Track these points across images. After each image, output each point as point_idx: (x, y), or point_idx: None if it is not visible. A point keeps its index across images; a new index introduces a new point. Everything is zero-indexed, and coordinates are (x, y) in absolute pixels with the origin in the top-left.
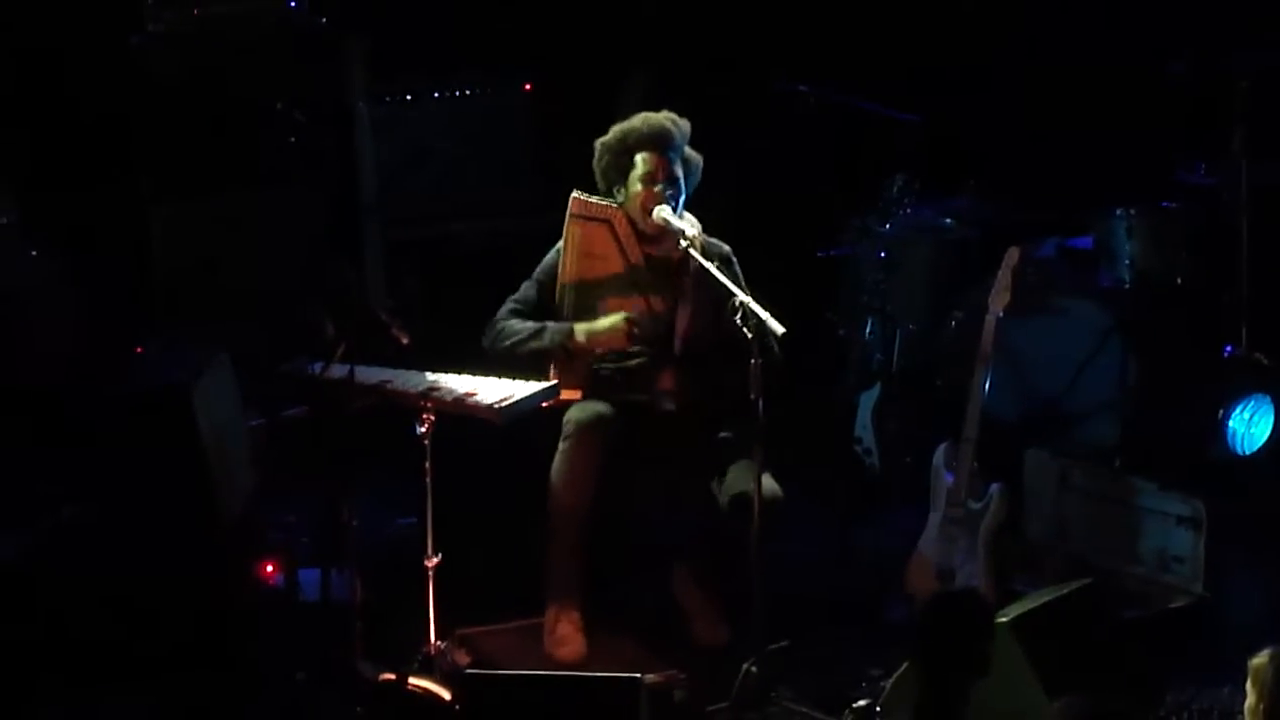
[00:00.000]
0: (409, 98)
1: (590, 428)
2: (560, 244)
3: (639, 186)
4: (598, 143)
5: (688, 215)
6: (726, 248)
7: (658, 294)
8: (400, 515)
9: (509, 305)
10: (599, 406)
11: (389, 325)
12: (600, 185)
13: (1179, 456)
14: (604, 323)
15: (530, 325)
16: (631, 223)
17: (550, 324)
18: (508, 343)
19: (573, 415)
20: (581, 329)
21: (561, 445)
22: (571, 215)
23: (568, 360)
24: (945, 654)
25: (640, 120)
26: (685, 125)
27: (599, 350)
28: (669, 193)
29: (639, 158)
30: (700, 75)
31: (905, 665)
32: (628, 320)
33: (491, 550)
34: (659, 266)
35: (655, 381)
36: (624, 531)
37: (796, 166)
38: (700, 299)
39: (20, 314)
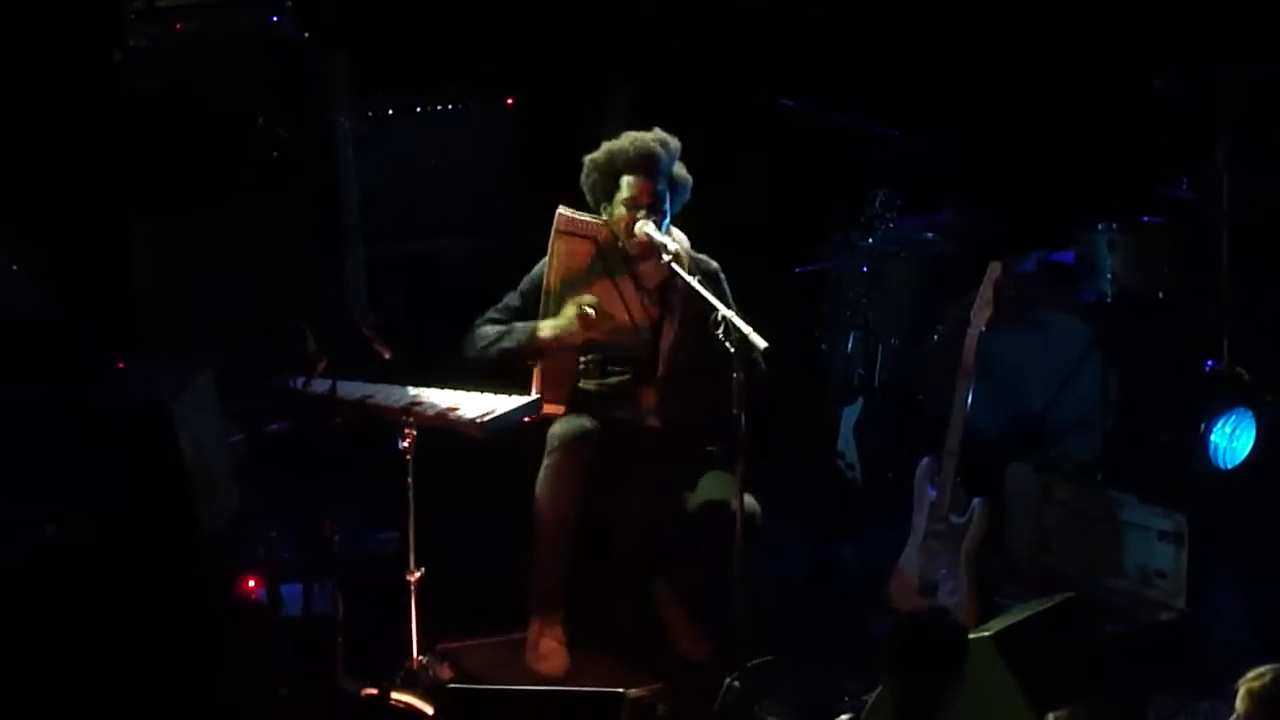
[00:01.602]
0: (391, 113)
1: (575, 442)
2: (544, 262)
3: (622, 209)
4: (586, 159)
5: (675, 232)
6: (714, 265)
7: (642, 311)
8: (382, 530)
9: (488, 313)
10: (583, 421)
11: (371, 340)
12: (589, 200)
13: (1161, 471)
14: (562, 316)
15: (501, 328)
16: (617, 240)
17: (517, 324)
18: (480, 345)
19: (557, 430)
20: (546, 325)
21: (546, 460)
22: (556, 230)
23: (547, 369)
24: (918, 673)
25: (628, 142)
26: (675, 144)
27: (563, 343)
28: (652, 218)
29: (624, 180)
30: (683, 91)
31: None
32: (580, 307)
33: (473, 565)
34: (644, 284)
35: (638, 398)
36: (606, 546)
37: (779, 181)
38: (686, 316)
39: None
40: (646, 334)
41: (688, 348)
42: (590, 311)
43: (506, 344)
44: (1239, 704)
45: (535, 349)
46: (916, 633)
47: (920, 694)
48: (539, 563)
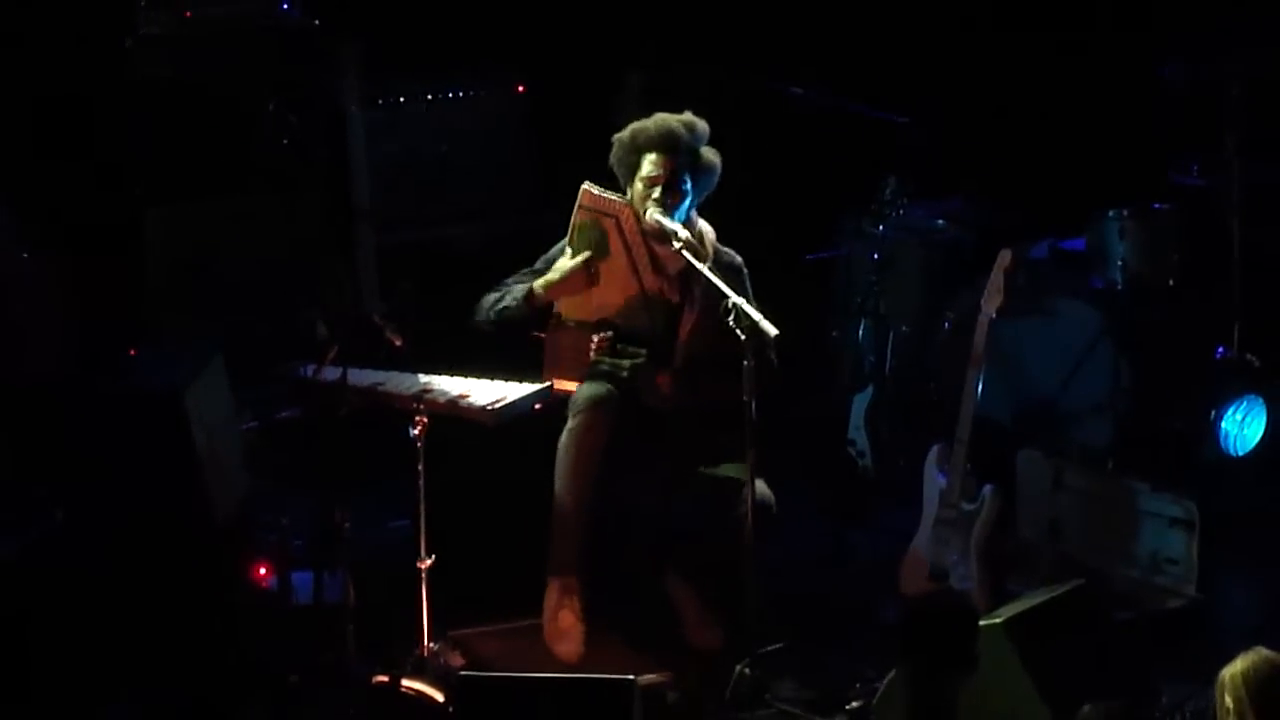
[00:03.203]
0: (402, 100)
1: (600, 404)
2: (565, 239)
3: (640, 186)
4: (614, 137)
5: (701, 222)
6: (738, 258)
7: (659, 294)
8: (393, 517)
9: (499, 284)
10: (608, 385)
11: (382, 328)
12: (618, 178)
13: (1172, 458)
14: (558, 268)
15: (500, 291)
16: (639, 220)
17: (516, 285)
18: (482, 312)
19: (582, 393)
20: (539, 282)
21: (570, 422)
22: (580, 206)
23: (559, 347)
24: (932, 656)
25: (652, 121)
26: (702, 128)
27: (556, 294)
28: (669, 199)
29: (645, 158)
30: (694, 78)
31: (895, 669)
32: (583, 263)
33: (484, 552)
34: (664, 267)
35: (655, 384)
36: (618, 532)
37: (790, 168)
38: (705, 305)
39: (13, 315)
40: (663, 318)
41: (706, 337)
42: (582, 260)
43: (505, 303)
44: (1222, 697)
45: (531, 304)
46: (928, 615)
47: (933, 676)
48: (559, 527)
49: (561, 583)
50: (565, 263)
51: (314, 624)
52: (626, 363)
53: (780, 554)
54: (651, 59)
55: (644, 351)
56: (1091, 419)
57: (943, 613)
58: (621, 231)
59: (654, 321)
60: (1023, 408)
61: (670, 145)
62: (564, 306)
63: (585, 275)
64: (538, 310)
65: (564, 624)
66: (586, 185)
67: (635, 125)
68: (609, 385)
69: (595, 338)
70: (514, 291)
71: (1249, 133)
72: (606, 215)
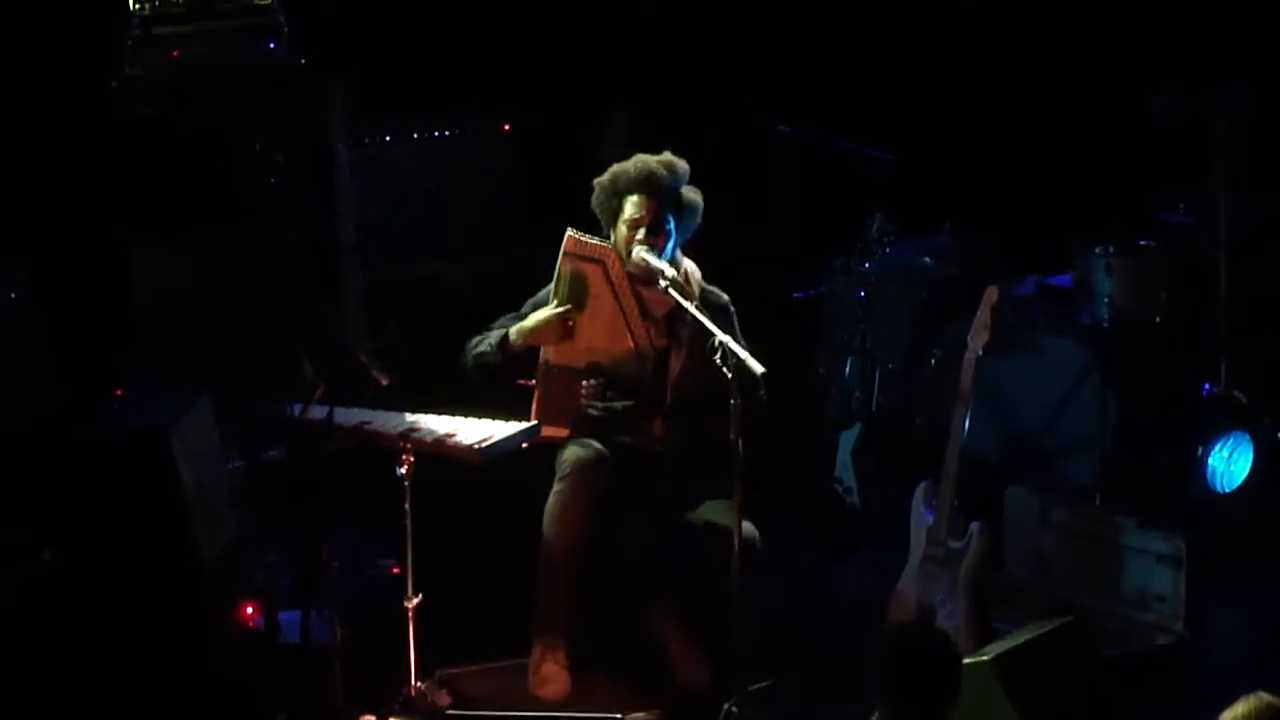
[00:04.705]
0: (388, 139)
1: (586, 469)
2: (551, 284)
3: (624, 229)
4: (595, 181)
5: (687, 262)
6: (725, 297)
7: (647, 338)
8: (380, 556)
9: (484, 330)
10: (595, 446)
11: (368, 366)
12: (601, 222)
13: (1159, 494)
14: (534, 318)
15: (479, 337)
16: (625, 265)
17: (493, 331)
18: (466, 357)
19: (569, 455)
20: (514, 329)
21: (557, 485)
22: (565, 253)
23: (546, 392)
24: (912, 691)
25: (633, 163)
26: (682, 168)
27: (530, 343)
28: (653, 240)
29: (627, 200)
30: (680, 116)
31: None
32: (560, 314)
33: (472, 591)
34: (650, 311)
35: (643, 426)
36: (607, 572)
37: (775, 206)
38: (693, 347)
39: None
40: (651, 362)
41: (695, 378)
42: (560, 311)
43: (480, 349)
44: None
45: (507, 351)
46: (909, 645)
47: (916, 710)
48: (544, 587)
49: (546, 642)
50: (542, 312)
51: (301, 663)
52: (619, 406)
53: (767, 591)
54: (637, 98)
55: (634, 396)
56: (1079, 455)
57: (921, 645)
58: (607, 276)
59: (643, 365)
60: (1010, 445)
61: (651, 186)
62: (553, 353)
63: (562, 326)
64: (516, 358)
65: (547, 673)
66: (570, 232)
67: (615, 168)
68: (595, 446)
69: (585, 384)
70: (490, 338)
71: (1236, 169)
72: (591, 260)
